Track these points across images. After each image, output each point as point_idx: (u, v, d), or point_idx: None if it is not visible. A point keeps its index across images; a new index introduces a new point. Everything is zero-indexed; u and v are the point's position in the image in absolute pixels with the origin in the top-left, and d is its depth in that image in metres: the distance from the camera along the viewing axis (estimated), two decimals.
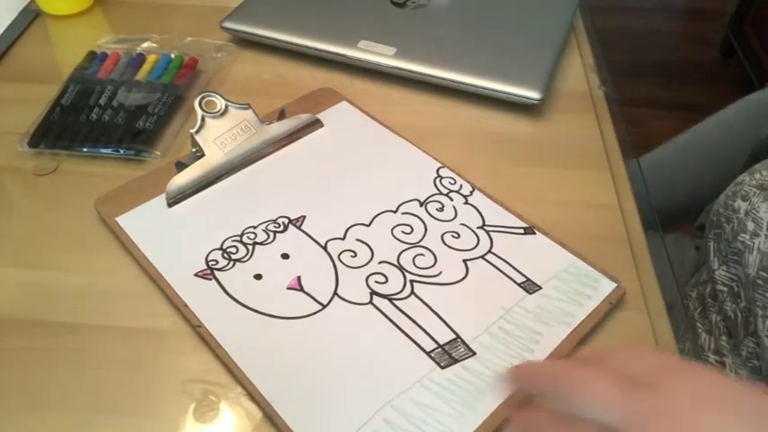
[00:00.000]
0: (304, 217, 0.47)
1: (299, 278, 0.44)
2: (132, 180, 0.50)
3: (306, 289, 0.43)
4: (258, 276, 0.44)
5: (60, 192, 0.51)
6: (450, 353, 0.40)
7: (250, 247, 0.45)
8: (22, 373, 0.39)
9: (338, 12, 0.66)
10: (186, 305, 0.42)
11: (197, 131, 0.50)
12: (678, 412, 0.24)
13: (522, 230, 0.47)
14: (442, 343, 0.40)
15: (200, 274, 0.44)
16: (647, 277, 0.46)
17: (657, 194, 0.67)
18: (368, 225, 0.47)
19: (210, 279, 0.44)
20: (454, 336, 0.41)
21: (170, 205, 0.48)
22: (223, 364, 0.40)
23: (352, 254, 0.45)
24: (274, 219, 0.47)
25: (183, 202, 0.49)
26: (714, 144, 0.78)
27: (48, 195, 0.51)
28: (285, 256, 0.45)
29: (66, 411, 0.38)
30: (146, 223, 0.47)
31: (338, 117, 0.57)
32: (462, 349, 0.40)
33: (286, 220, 0.47)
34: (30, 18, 0.69)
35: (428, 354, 0.40)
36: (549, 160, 0.55)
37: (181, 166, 0.50)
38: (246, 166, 0.51)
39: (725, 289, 0.46)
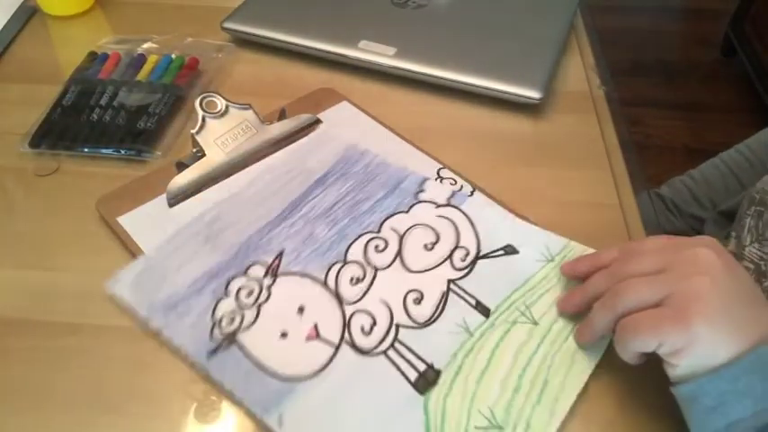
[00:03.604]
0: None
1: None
2: (133, 180, 0.50)
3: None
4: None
5: (61, 192, 0.51)
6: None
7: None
8: (24, 373, 0.40)
9: (338, 12, 0.66)
10: None
11: (198, 132, 0.50)
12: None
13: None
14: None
15: None
16: None
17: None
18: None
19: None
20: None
21: (171, 205, 0.48)
22: None
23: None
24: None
25: (183, 202, 0.49)
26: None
27: (49, 196, 0.51)
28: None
29: (67, 411, 0.38)
30: (147, 223, 0.47)
31: (338, 117, 0.57)
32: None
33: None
34: (27, 15, 0.69)
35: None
36: (549, 160, 0.55)
37: (181, 166, 0.50)
38: (247, 166, 0.52)
39: (751, 266, 0.45)
